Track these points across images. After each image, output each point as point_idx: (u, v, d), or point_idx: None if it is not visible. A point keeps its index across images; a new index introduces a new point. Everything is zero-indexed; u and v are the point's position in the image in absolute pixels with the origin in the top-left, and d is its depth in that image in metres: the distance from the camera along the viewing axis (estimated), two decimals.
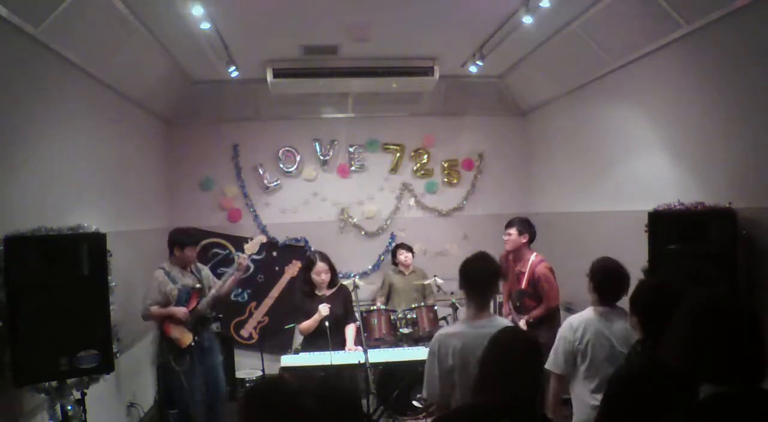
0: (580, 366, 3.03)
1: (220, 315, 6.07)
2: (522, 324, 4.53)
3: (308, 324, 4.30)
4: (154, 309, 4.43)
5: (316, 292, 4.43)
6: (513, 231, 4.78)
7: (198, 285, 4.63)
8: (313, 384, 1.68)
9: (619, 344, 2.90)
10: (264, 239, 5.08)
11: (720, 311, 1.60)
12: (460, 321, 2.95)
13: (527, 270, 4.64)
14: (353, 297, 4.43)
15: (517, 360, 1.99)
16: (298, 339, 6.31)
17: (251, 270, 6.47)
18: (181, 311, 4.41)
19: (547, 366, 3.09)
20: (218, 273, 5.20)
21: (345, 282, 4.66)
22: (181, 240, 4.60)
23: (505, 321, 2.84)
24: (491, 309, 2.90)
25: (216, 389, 4.68)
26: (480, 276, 2.77)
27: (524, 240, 4.76)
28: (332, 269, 4.47)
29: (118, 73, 4.52)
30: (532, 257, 4.69)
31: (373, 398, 4.65)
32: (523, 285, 4.65)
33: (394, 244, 6.51)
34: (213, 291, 4.65)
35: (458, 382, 2.66)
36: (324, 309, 4.23)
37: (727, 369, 1.53)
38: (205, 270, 4.86)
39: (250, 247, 4.80)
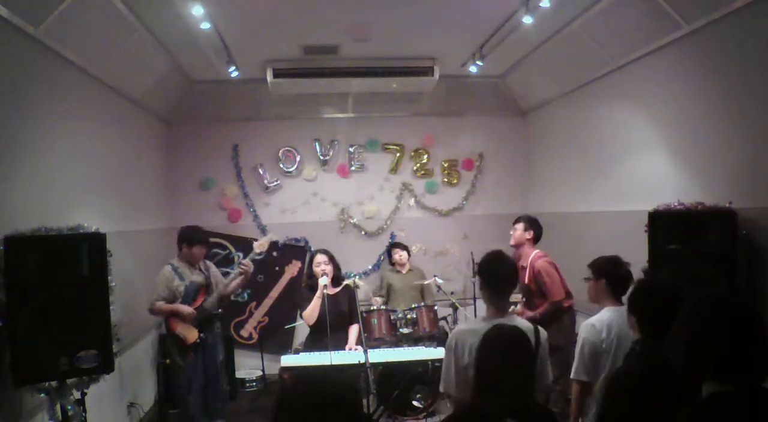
0: (605, 365, 2.88)
1: (220, 309, 6.08)
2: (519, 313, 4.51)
3: (312, 305, 4.31)
4: (160, 304, 4.45)
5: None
6: (519, 226, 4.83)
7: (205, 283, 4.65)
8: (313, 383, 1.66)
9: None
10: (274, 237, 4.97)
11: (723, 310, 1.61)
12: (479, 319, 2.95)
13: (528, 265, 4.65)
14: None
15: (504, 357, 2.00)
16: (298, 338, 6.33)
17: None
18: (187, 310, 4.43)
19: (573, 375, 2.95)
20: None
21: (345, 281, 4.65)
22: (189, 238, 4.64)
23: (523, 321, 2.79)
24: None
25: (216, 388, 4.69)
26: (498, 276, 2.77)
27: (528, 237, 4.78)
28: (335, 266, 4.48)
29: (118, 73, 4.53)
30: (533, 253, 4.70)
31: (373, 398, 4.65)
32: (525, 280, 4.65)
33: (389, 244, 6.51)
34: (221, 287, 4.69)
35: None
36: (323, 280, 4.25)
37: (730, 368, 1.54)
38: (213, 268, 4.88)
39: (260, 245, 4.76)
